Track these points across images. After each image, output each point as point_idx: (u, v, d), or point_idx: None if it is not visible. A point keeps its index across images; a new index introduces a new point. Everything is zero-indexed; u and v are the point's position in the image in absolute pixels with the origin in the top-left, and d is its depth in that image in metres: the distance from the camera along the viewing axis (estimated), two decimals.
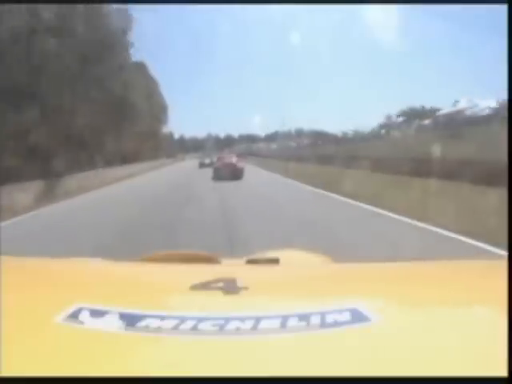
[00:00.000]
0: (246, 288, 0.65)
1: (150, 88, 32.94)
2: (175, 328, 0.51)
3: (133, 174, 25.44)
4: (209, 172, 20.43)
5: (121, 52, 19.21)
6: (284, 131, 75.34)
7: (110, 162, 22.65)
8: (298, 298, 0.68)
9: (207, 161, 31.08)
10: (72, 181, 16.26)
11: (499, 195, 4.83)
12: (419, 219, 6.32)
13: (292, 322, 0.52)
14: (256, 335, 0.50)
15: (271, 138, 76.64)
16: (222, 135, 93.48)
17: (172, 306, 0.63)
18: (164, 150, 49.88)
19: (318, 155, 24.92)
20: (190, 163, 41.16)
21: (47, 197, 13.22)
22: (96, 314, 0.55)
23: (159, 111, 39.56)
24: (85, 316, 0.54)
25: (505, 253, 3.48)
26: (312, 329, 0.51)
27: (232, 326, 0.51)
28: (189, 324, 0.52)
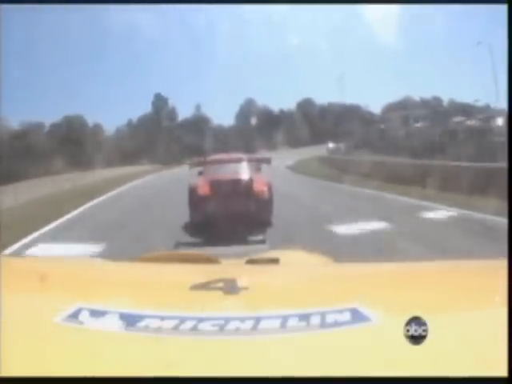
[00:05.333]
0: (245, 288, 0.65)
1: None
2: (175, 328, 0.51)
3: None
4: None
5: None
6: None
7: None
8: (298, 298, 0.68)
9: None
10: None
11: None
12: None
13: (292, 322, 0.52)
14: (256, 335, 0.50)
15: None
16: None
17: (172, 306, 0.63)
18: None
19: None
20: None
21: None
22: (96, 314, 0.55)
23: None
24: (85, 316, 0.54)
25: None
26: (312, 329, 0.51)
27: (232, 326, 0.51)
28: (189, 324, 0.52)
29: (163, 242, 4.67)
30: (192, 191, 6.50)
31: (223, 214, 5.76)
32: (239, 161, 7.33)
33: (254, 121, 38.73)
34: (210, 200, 6.11)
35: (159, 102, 40.20)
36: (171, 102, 40.28)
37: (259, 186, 6.42)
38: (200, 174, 7.13)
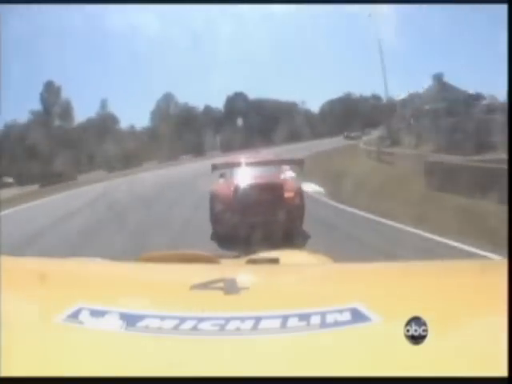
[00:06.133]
0: (246, 288, 0.65)
1: None
2: (175, 328, 0.51)
3: None
4: None
5: None
6: None
7: None
8: (298, 298, 0.68)
9: None
10: None
11: None
12: None
13: (292, 322, 0.52)
14: (256, 335, 0.50)
15: None
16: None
17: (172, 306, 0.63)
18: None
19: None
20: None
21: None
22: (96, 313, 0.55)
23: None
24: (85, 316, 0.54)
25: None
26: (312, 329, 0.51)
27: (232, 325, 0.51)
28: (189, 324, 0.52)
29: None
30: (213, 198, 5.61)
31: (249, 224, 4.95)
32: (267, 163, 6.48)
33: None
34: (234, 209, 5.29)
35: (52, 94, 24.23)
36: (66, 95, 23.03)
37: (290, 193, 5.48)
38: (221, 176, 6.29)
